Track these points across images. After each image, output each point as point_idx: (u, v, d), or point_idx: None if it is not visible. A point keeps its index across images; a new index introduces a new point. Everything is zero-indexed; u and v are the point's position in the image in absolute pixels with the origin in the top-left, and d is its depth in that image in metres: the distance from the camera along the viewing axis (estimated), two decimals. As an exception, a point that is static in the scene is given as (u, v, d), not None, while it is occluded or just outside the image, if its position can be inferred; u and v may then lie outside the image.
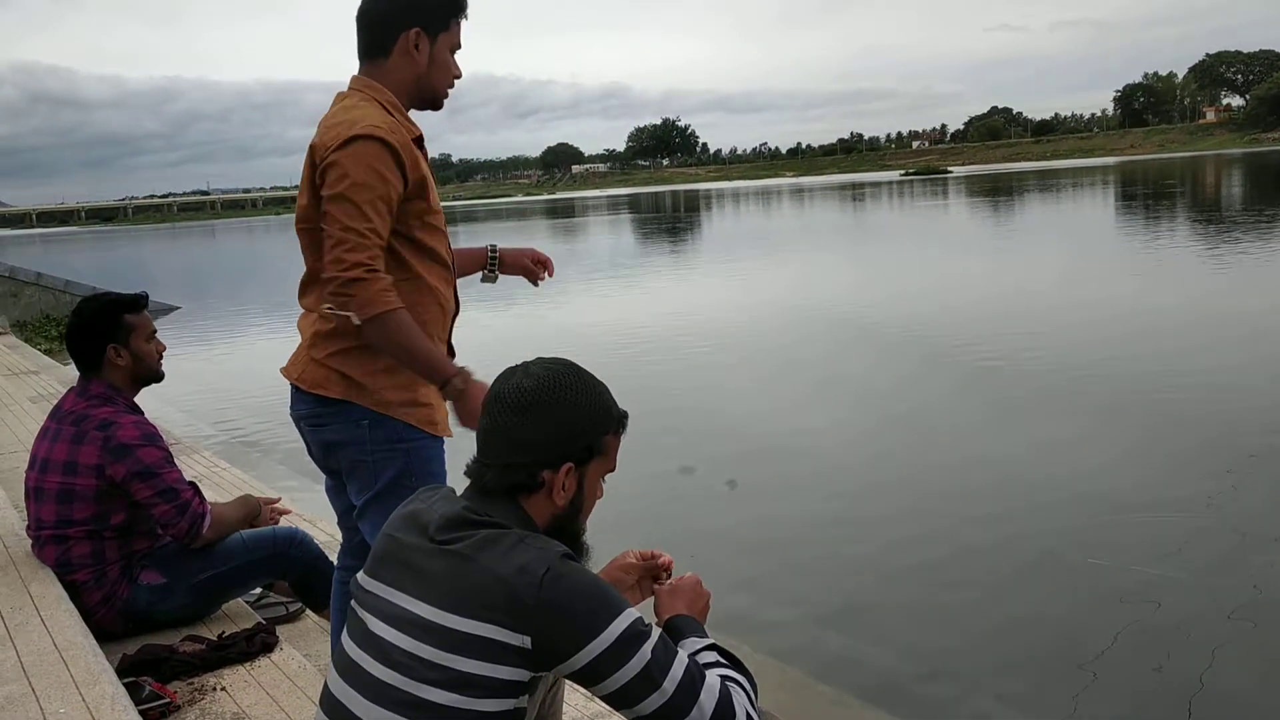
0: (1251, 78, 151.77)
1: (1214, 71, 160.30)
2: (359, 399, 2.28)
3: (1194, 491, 5.79)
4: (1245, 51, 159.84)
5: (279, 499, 3.76)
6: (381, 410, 2.28)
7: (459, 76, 2.45)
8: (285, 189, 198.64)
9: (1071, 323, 11.53)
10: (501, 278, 2.82)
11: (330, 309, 2.19)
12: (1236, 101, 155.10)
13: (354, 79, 2.39)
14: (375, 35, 2.36)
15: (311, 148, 2.29)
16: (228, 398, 10.61)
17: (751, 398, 9.11)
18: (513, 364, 1.69)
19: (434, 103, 2.44)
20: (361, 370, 2.27)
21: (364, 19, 2.37)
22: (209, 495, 4.07)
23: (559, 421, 1.59)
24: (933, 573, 5.01)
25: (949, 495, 6.08)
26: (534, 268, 2.81)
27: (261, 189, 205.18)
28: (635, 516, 5.67)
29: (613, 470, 1.70)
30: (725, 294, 17.42)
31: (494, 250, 2.78)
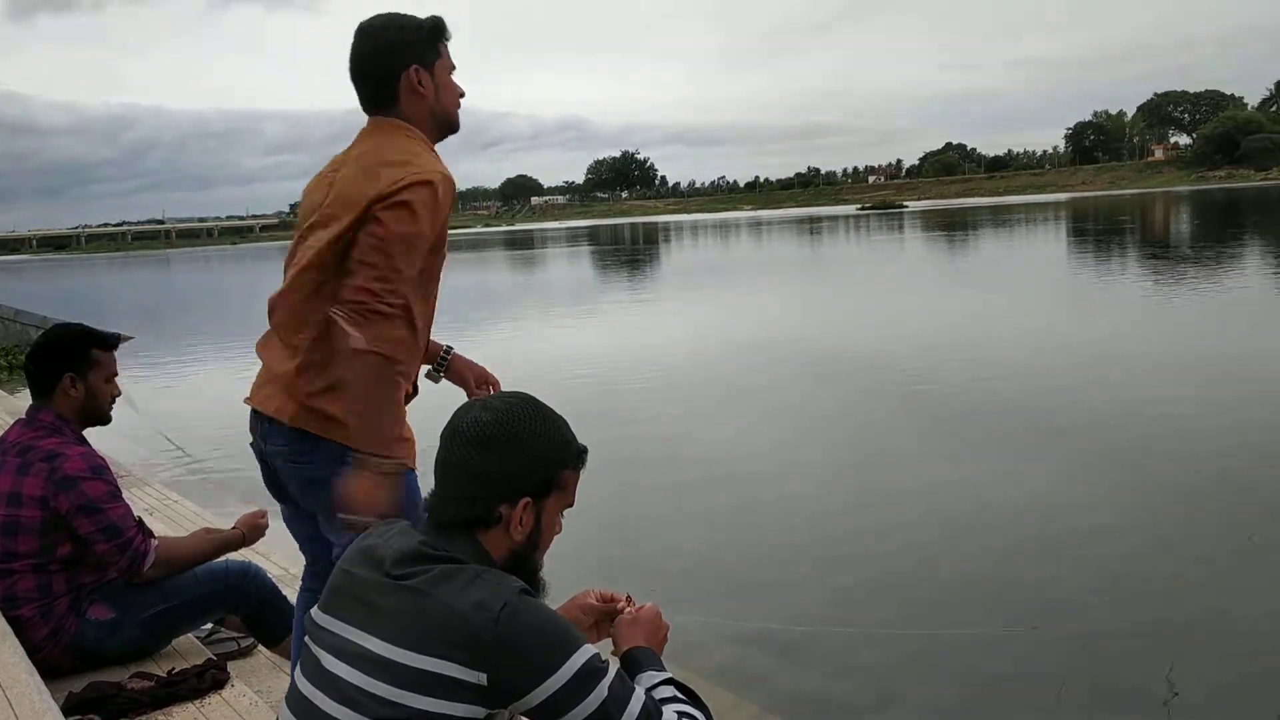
0: (1198, 117, 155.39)
1: (1162, 111, 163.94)
2: (344, 438, 2.25)
3: (1145, 519, 5.88)
4: (1191, 91, 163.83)
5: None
6: None
7: (463, 95, 2.49)
8: (241, 219, 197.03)
9: (1027, 353, 11.68)
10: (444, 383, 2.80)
11: (340, 315, 2.15)
12: (1184, 140, 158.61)
13: (383, 120, 2.39)
14: (378, 86, 2.39)
15: (344, 181, 2.28)
16: (181, 428, 10.47)
17: (711, 427, 9.12)
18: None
19: (451, 127, 2.47)
20: (346, 409, 2.25)
21: (361, 75, 2.40)
22: (161, 529, 4.02)
23: (517, 456, 1.59)
24: (889, 602, 5.02)
25: (905, 524, 6.11)
26: (474, 389, 2.74)
27: (217, 218, 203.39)
28: (593, 546, 5.64)
29: (571, 505, 1.70)
30: (684, 326, 17.48)
31: (447, 353, 2.75)
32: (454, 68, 2.46)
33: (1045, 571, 5.26)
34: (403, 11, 2.43)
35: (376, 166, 2.24)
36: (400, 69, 2.36)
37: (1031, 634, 4.55)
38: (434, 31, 2.41)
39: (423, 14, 2.42)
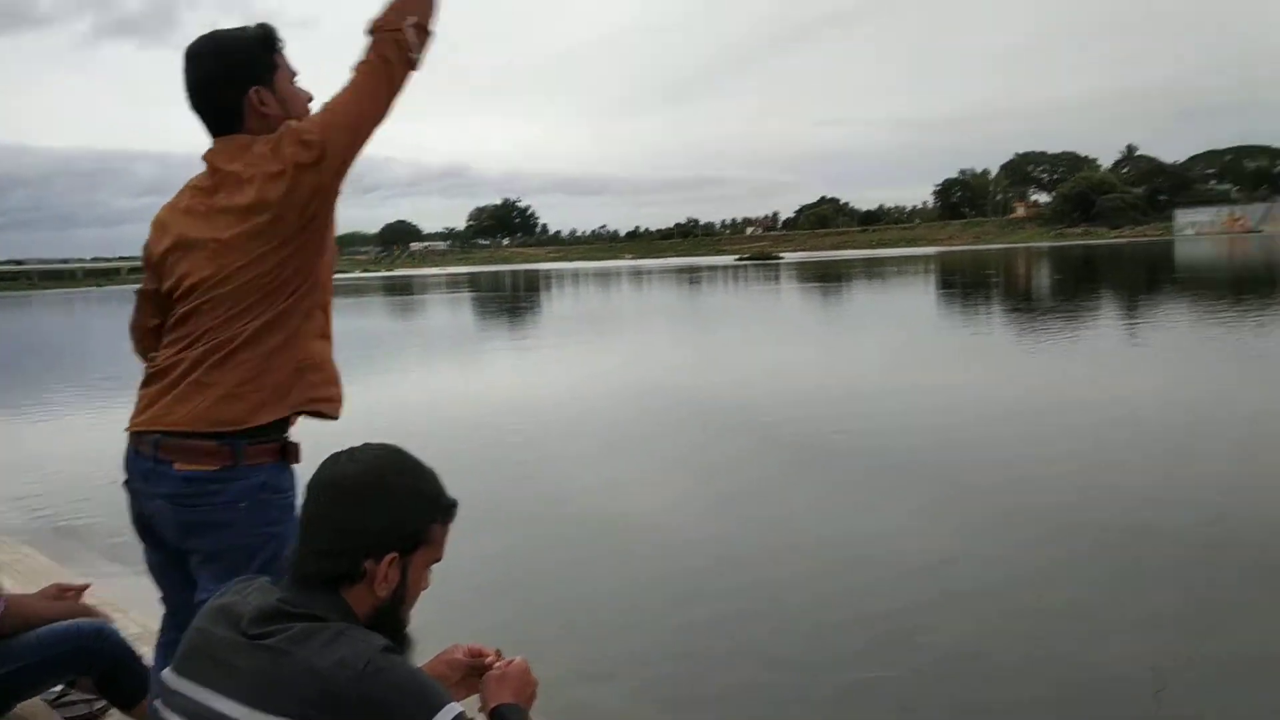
0: (1056, 176, 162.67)
1: (1022, 170, 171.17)
2: (234, 459, 2.22)
3: (1004, 566, 6.06)
4: (1050, 152, 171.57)
5: (88, 584, 3.54)
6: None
7: (312, 99, 2.44)
8: (108, 260, 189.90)
9: (897, 406, 11.99)
10: None
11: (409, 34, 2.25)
12: (1044, 198, 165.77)
13: (234, 136, 2.33)
14: (222, 113, 2.33)
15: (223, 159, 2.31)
16: (35, 478, 9.98)
17: (588, 473, 9.10)
18: (338, 448, 1.66)
19: None
20: (274, 379, 2.26)
21: (201, 103, 2.35)
22: (11, 584, 3.82)
23: (384, 510, 1.57)
24: (768, 654, 5.06)
25: (777, 571, 6.17)
26: None
27: (82, 260, 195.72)
28: (463, 598, 5.56)
29: (439, 560, 1.67)
30: (564, 373, 17.46)
31: None
32: (295, 74, 2.41)
33: (922, 619, 5.36)
34: (228, 27, 2.37)
35: (256, 159, 2.24)
36: (239, 94, 2.31)
37: (908, 674, 4.63)
38: (265, 43, 2.36)
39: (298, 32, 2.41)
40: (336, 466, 1.60)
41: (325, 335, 2.40)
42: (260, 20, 2.39)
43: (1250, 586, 5.59)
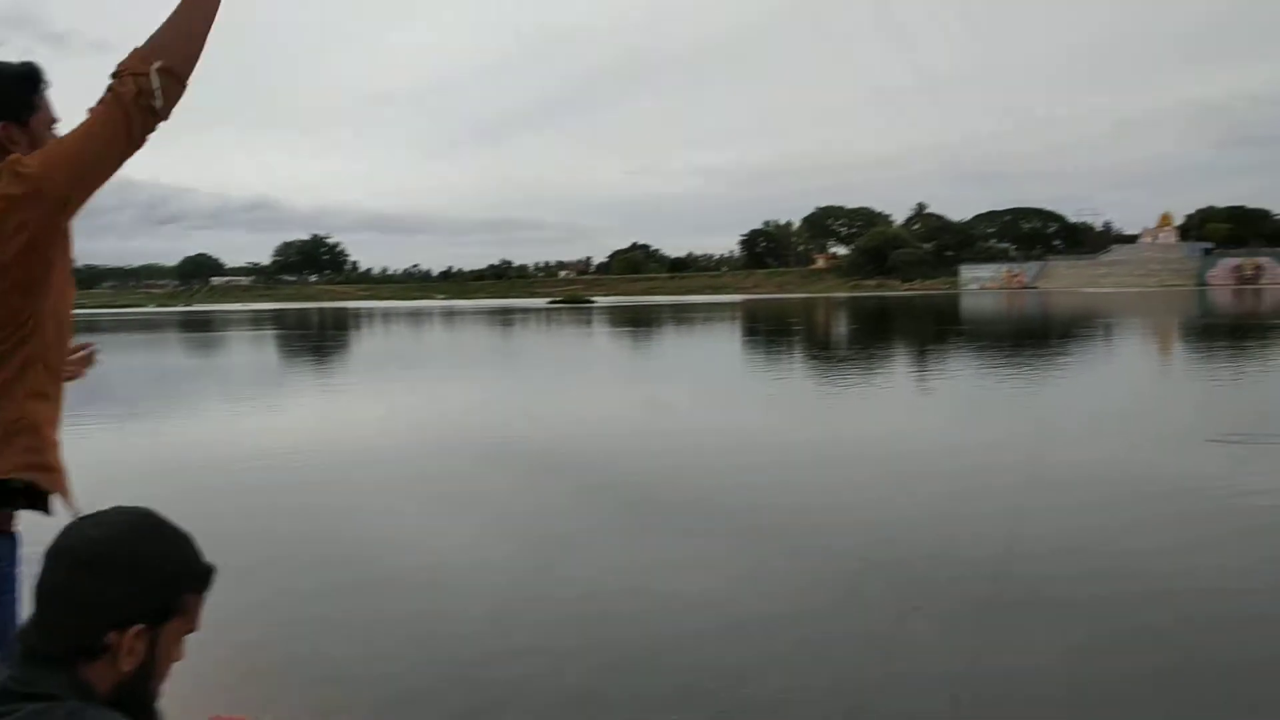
0: (854, 230, 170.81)
1: (822, 223, 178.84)
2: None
3: (810, 605, 6.22)
4: (848, 207, 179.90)
5: None
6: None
7: None
8: None
9: (696, 446, 12.22)
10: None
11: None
12: (842, 250, 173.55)
13: None
14: None
15: None
16: None
17: (382, 521, 8.86)
18: (84, 512, 1.56)
19: None
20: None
21: None
22: None
23: (129, 579, 1.48)
24: (570, 701, 5.02)
25: (578, 618, 6.16)
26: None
27: None
28: (224, 664, 5.31)
29: (194, 630, 1.59)
30: (361, 415, 17.05)
31: None
32: (57, 121, 2.31)
33: (724, 659, 5.44)
34: None
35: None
36: None
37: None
38: (26, 81, 2.26)
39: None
40: (78, 533, 1.50)
41: (44, 395, 2.24)
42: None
43: (1027, 618, 5.92)
